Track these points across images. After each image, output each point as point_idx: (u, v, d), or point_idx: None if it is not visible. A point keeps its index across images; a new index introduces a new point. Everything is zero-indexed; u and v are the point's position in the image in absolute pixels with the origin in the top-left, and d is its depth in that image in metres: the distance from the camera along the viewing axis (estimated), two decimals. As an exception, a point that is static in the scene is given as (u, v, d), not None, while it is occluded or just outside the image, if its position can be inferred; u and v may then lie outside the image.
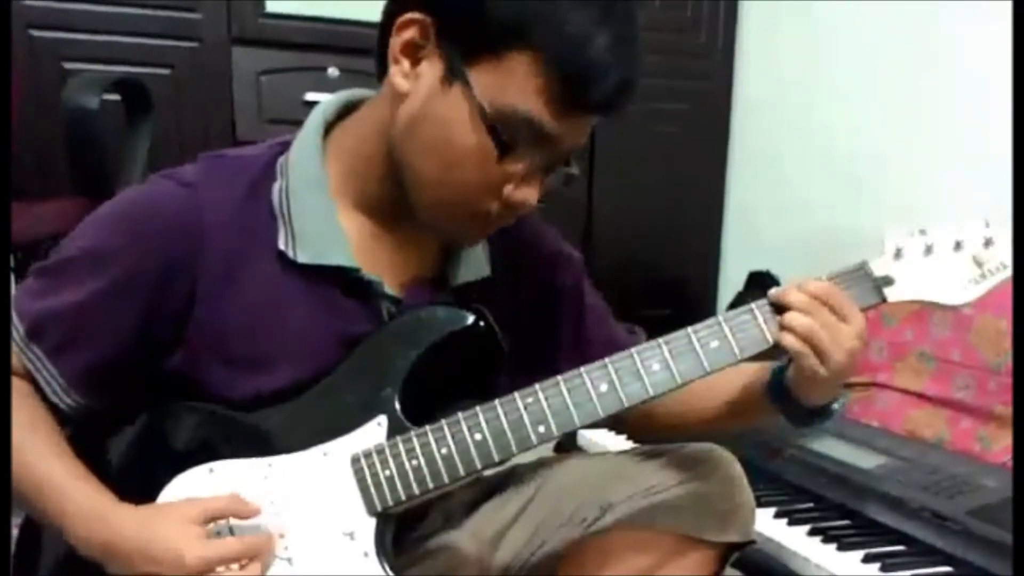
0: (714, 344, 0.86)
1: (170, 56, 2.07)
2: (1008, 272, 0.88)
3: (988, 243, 0.88)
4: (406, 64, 0.84)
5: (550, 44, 0.79)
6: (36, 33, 1.95)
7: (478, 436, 0.86)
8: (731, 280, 2.62)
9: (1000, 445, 1.49)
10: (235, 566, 0.81)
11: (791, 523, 1.27)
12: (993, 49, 1.80)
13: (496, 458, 0.86)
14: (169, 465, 0.88)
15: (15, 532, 0.94)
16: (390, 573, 0.86)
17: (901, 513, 1.25)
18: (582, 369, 0.86)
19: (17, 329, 0.88)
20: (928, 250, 0.88)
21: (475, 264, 0.97)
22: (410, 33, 0.83)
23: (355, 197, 0.92)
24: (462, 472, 0.86)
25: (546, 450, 0.99)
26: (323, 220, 0.89)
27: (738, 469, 0.98)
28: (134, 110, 1.81)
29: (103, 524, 0.81)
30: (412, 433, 0.87)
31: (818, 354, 0.85)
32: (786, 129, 2.48)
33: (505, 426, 0.86)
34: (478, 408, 0.86)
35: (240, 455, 0.88)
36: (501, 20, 0.80)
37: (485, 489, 1.08)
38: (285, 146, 0.92)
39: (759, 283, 2.28)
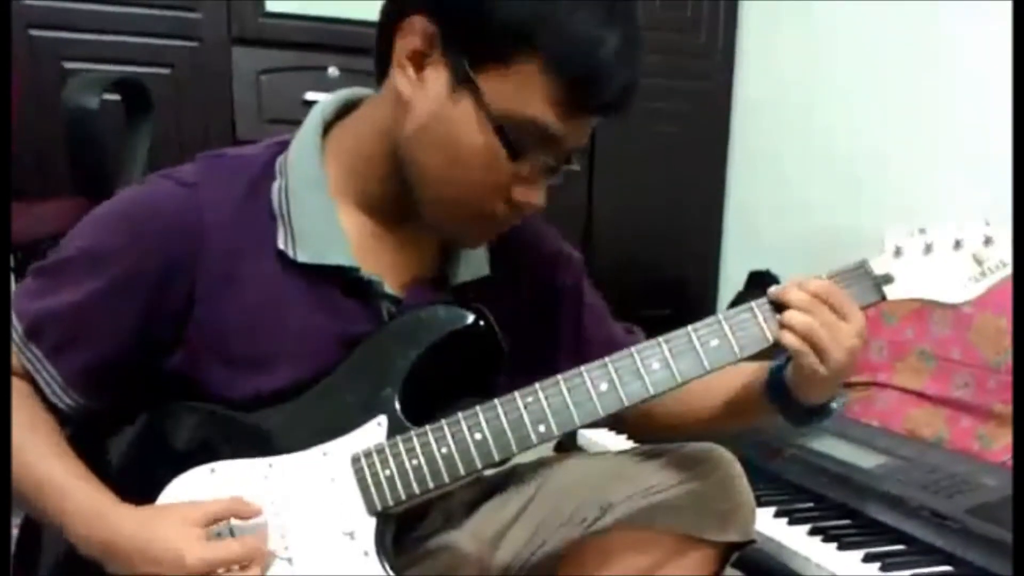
0: (714, 343, 0.86)
1: (170, 56, 2.07)
2: (1008, 270, 0.88)
3: (988, 241, 0.88)
4: (411, 71, 0.84)
5: (557, 48, 0.79)
6: (36, 33, 1.95)
7: (478, 436, 0.86)
8: (731, 280, 2.62)
9: (1000, 444, 1.49)
10: (235, 567, 0.81)
11: (791, 522, 1.27)
12: (993, 49, 1.79)
13: (496, 458, 0.86)
14: (169, 465, 0.88)
15: (15, 532, 0.94)
16: (390, 573, 0.86)
17: (901, 512, 1.25)
18: (582, 368, 0.86)
19: (16, 329, 0.88)
20: (928, 248, 0.88)
21: (475, 264, 0.97)
22: (414, 41, 0.83)
23: (355, 196, 0.92)
24: (462, 472, 0.86)
25: (546, 450, 0.99)
26: (323, 219, 0.89)
27: (738, 469, 0.98)
28: (134, 110, 1.81)
29: (103, 523, 0.81)
30: (412, 433, 0.87)
31: (818, 352, 0.85)
32: (786, 129, 2.48)
33: (505, 426, 0.86)
34: (478, 408, 0.86)
35: (240, 455, 0.88)
36: (507, 26, 0.80)
37: (485, 489, 1.08)
38: (284, 146, 0.92)
39: (759, 283, 2.27)
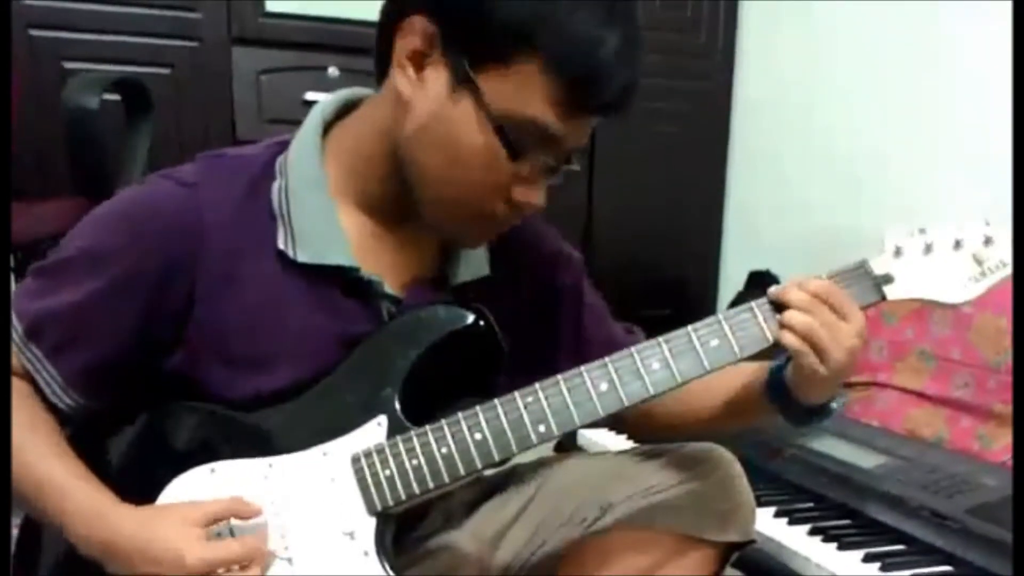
0: (714, 343, 0.86)
1: (170, 56, 2.07)
2: (1008, 270, 0.88)
3: (988, 241, 0.88)
4: (411, 72, 0.84)
5: (557, 48, 0.79)
6: (36, 33, 1.95)
7: (478, 436, 0.86)
8: (731, 280, 2.62)
9: (1000, 444, 1.49)
10: (235, 567, 0.81)
11: (791, 522, 1.27)
12: (993, 49, 1.79)
13: (496, 458, 0.86)
14: (169, 465, 0.88)
15: (15, 532, 0.94)
16: (390, 573, 0.86)
17: (901, 512, 1.25)
18: (582, 368, 0.86)
19: (16, 329, 0.88)
20: (928, 248, 0.88)
21: (475, 263, 0.97)
22: (414, 41, 0.83)
23: (355, 196, 0.92)
24: (462, 472, 0.86)
25: (546, 450, 0.99)
26: (323, 219, 0.89)
27: (738, 469, 0.98)
28: (134, 110, 1.81)
29: (103, 523, 0.81)
30: (412, 433, 0.87)
31: (818, 352, 0.85)
32: (786, 129, 2.48)
33: (505, 426, 0.86)
34: (478, 408, 0.86)
35: (240, 455, 0.88)
36: (508, 26, 0.79)
37: (485, 489, 1.08)
38: (284, 146, 0.92)
39: (759, 283, 2.27)
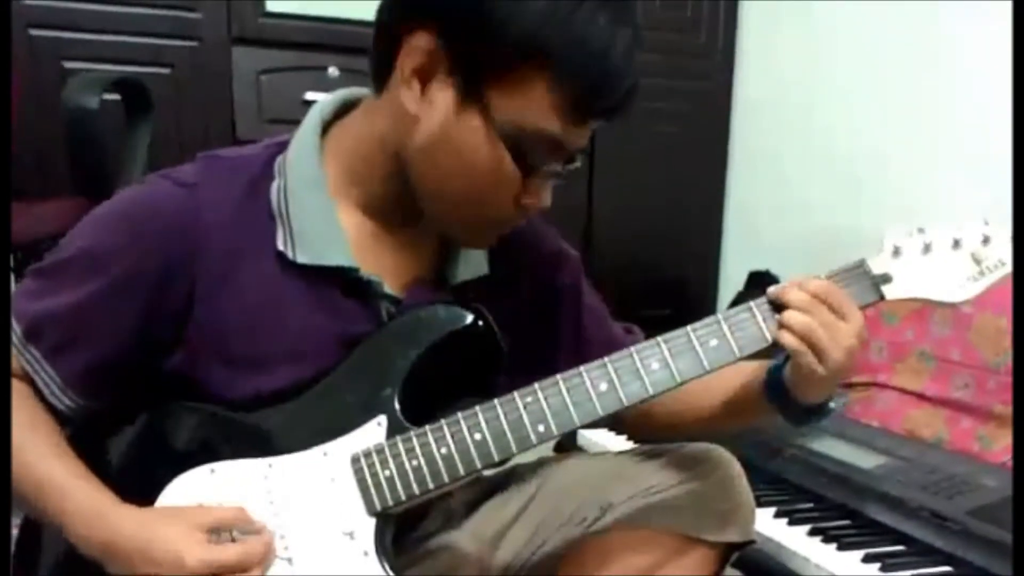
0: (713, 343, 0.86)
1: (170, 56, 2.07)
2: (1006, 269, 0.88)
3: (986, 241, 0.88)
4: (417, 88, 0.84)
5: (568, 60, 0.79)
6: (36, 33, 1.95)
7: (478, 436, 0.86)
8: (731, 280, 2.63)
9: (1000, 444, 1.49)
10: (236, 570, 0.81)
11: (791, 523, 1.27)
12: (993, 49, 1.80)
13: (496, 458, 0.86)
14: (169, 465, 0.88)
15: (15, 532, 0.94)
16: (390, 573, 0.86)
17: (901, 513, 1.25)
18: (581, 368, 0.86)
19: (15, 331, 0.88)
20: (926, 248, 0.88)
21: (474, 263, 0.97)
22: (419, 59, 0.82)
23: (354, 196, 0.92)
24: (462, 472, 0.86)
25: (546, 450, 0.99)
26: (322, 219, 0.89)
27: (738, 469, 0.98)
28: (134, 110, 1.81)
29: (103, 523, 0.81)
30: (412, 433, 0.87)
31: (816, 352, 0.85)
32: (786, 129, 2.48)
33: (505, 426, 0.86)
34: (478, 408, 0.86)
35: (240, 455, 0.88)
36: (515, 42, 0.79)
37: (485, 489, 1.08)
38: (283, 146, 0.92)
39: (759, 283, 2.27)
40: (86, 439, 0.90)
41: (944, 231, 0.89)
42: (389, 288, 0.92)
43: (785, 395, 0.93)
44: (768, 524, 1.27)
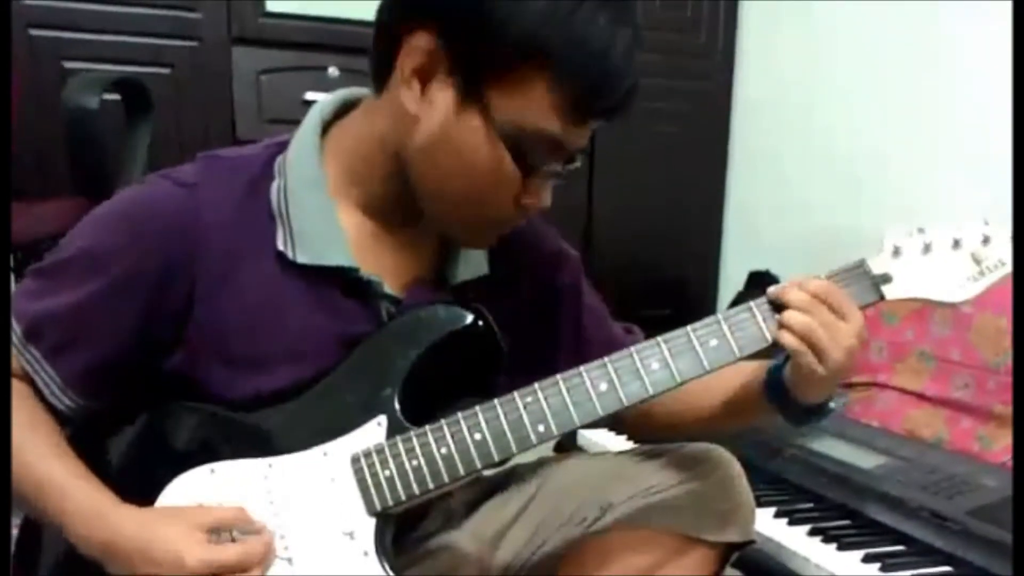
0: (713, 343, 0.86)
1: (170, 56, 2.07)
2: (1006, 269, 0.88)
3: (986, 241, 0.88)
4: (417, 88, 0.84)
5: (569, 61, 0.79)
6: (36, 33, 1.95)
7: (478, 436, 0.86)
8: (731, 280, 2.63)
9: (1000, 445, 1.49)
10: (236, 570, 0.81)
11: (791, 523, 1.27)
12: (993, 49, 1.80)
13: (496, 458, 0.86)
14: (169, 465, 0.88)
15: (15, 532, 0.94)
16: (390, 573, 0.86)
17: (901, 513, 1.25)
18: (581, 368, 0.86)
19: (15, 331, 0.88)
20: (926, 248, 0.88)
21: (474, 262, 0.97)
22: (419, 59, 0.82)
23: (354, 196, 0.92)
24: (462, 472, 0.86)
25: (546, 450, 0.99)
26: (322, 219, 0.89)
27: (738, 469, 0.98)
28: (134, 110, 1.81)
29: (103, 523, 0.81)
30: (412, 433, 0.87)
31: (816, 352, 0.85)
32: (786, 129, 2.48)
33: (505, 426, 0.86)
34: (478, 408, 0.86)
35: (240, 455, 0.88)
36: (516, 43, 0.79)
37: (485, 489, 1.08)
38: (283, 146, 0.92)
39: (759, 283, 2.27)
40: (86, 439, 0.90)
41: (944, 231, 0.89)
42: (389, 288, 0.92)
43: (785, 395, 0.93)
44: (768, 524, 1.27)
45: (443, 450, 0.86)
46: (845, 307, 0.86)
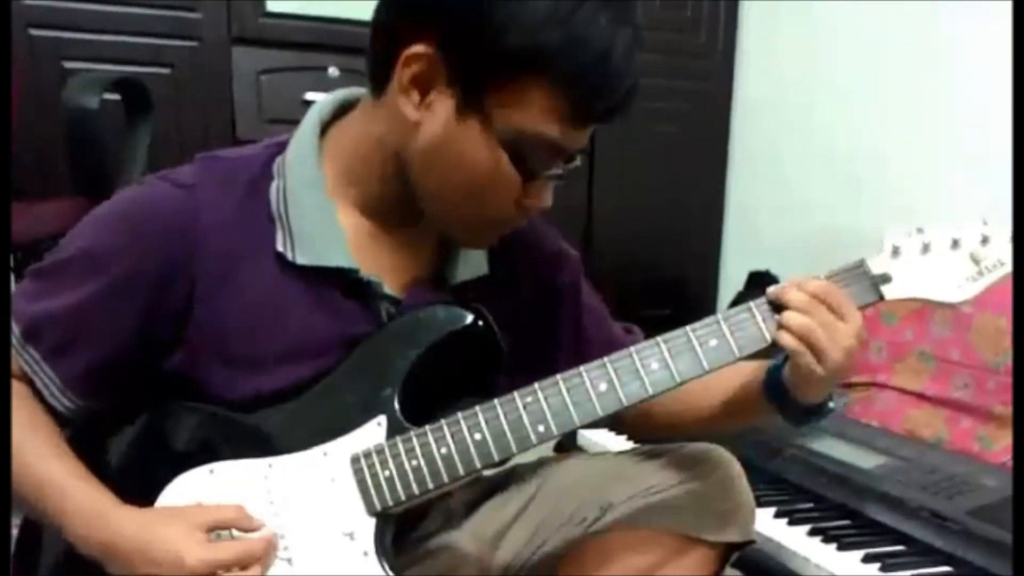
0: (713, 343, 0.86)
1: (170, 56, 2.07)
2: (1005, 269, 0.88)
3: (985, 241, 0.88)
4: (416, 96, 0.83)
5: (568, 68, 0.79)
6: (36, 33, 1.95)
7: (478, 436, 0.86)
8: (731, 280, 2.63)
9: (1000, 445, 1.49)
10: (235, 569, 0.81)
11: (791, 523, 1.27)
12: (993, 49, 1.80)
13: (496, 458, 0.86)
14: (169, 466, 0.88)
15: (15, 532, 0.94)
16: (390, 573, 0.86)
17: (901, 513, 1.25)
18: (581, 368, 0.86)
19: (14, 331, 0.88)
20: (925, 248, 0.88)
21: (473, 263, 0.97)
22: (418, 68, 0.82)
23: (353, 197, 0.92)
24: (462, 472, 0.86)
25: (546, 450, 0.99)
26: (321, 220, 0.89)
27: (738, 469, 0.98)
28: (134, 110, 1.81)
29: (103, 524, 0.81)
30: (412, 433, 0.87)
31: (815, 353, 0.85)
32: (786, 129, 2.48)
33: (505, 426, 0.86)
34: (477, 408, 0.86)
35: (240, 455, 0.88)
36: (515, 50, 0.79)
37: (485, 489, 1.08)
38: (282, 146, 0.92)
39: (759, 283, 2.27)
40: (86, 439, 0.90)
41: (943, 231, 0.89)
42: (389, 288, 0.92)
43: (784, 395, 0.93)
44: (768, 524, 1.26)
45: (443, 450, 0.86)
46: (844, 307, 0.86)
